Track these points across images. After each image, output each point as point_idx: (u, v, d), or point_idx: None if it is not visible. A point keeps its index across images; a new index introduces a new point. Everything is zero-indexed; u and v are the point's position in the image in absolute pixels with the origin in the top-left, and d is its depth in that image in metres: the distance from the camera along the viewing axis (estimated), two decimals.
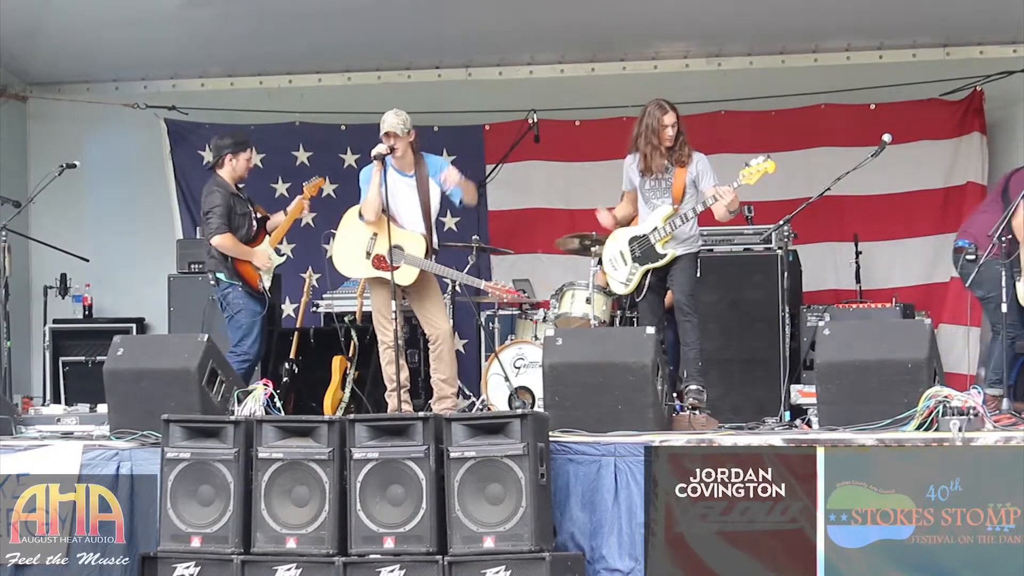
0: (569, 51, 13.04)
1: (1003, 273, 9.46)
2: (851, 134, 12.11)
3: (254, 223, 10.66)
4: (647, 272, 9.97)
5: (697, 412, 9.72)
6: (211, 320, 11.11)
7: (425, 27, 12.43)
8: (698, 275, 10.02)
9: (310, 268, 11.99)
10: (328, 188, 12.96)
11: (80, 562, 9.07)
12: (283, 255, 10.92)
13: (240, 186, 10.70)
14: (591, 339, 9.53)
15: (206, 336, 9.47)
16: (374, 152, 10.03)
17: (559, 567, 8.33)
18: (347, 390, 11.19)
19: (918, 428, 8.42)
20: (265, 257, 10.57)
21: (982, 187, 12.29)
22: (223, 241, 10.44)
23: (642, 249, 9.97)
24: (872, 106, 12.48)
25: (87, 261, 12.76)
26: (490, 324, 11.77)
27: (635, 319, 10.57)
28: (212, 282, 10.60)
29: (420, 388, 11.53)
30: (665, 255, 9.91)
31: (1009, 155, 12.36)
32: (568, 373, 9.10)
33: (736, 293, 11.38)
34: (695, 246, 10.03)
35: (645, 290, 10.01)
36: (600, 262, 10.45)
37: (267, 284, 10.56)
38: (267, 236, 10.71)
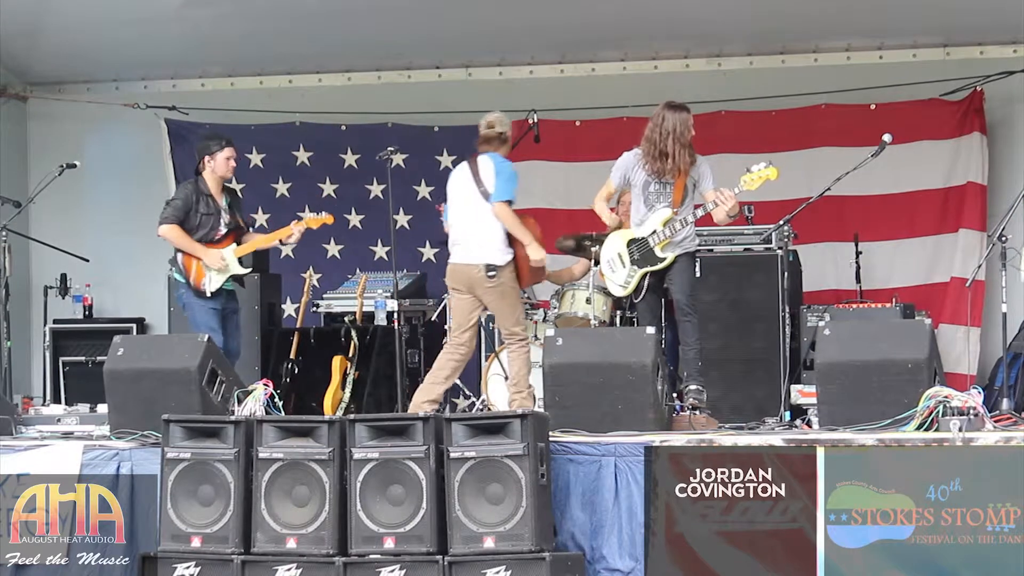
0: (569, 51, 13.03)
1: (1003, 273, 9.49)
2: (851, 134, 12.09)
3: (221, 226, 10.45)
4: (645, 274, 9.96)
5: (697, 412, 9.70)
6: None
7: (425, 27, 12.42)
8: (697, 274, 10.01)
9: (310, 268, 11.97)
10: (328, 188, 12.97)
11: (80, 562, 9.06)
12: (250, 268, 10.63)
13: (230, 185, 10.61)
14: (591, 339, 9.52)
15: (206, 336, 9.47)
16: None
17: (559, 567, 8.32)
18: (347, 390, 11.18)
19: (918, 428, 8.41)
20: (218, 258, 10.36)
21: (982, 187, 12.29)
22: (166, 231, 10.35)
23: (640, 252, 9.94)
24: (872, 106, 12.46)
25: (87, 261, 12.76)
26: (490, 324, 11.76)
27: (635, 319, 10.56)
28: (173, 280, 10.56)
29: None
30: (664, 259, 9.87)
31: (1009, 155, 12.37)
32: (568, 373, 9.09)
33: (736, 293, 11.38)
34: (692, 246, 9.99)
35: (644, 291, 9.99)
36: (598, 263, 10.42)
37: (214, 287, 10.35)
38: (234, 244, 10.50)
